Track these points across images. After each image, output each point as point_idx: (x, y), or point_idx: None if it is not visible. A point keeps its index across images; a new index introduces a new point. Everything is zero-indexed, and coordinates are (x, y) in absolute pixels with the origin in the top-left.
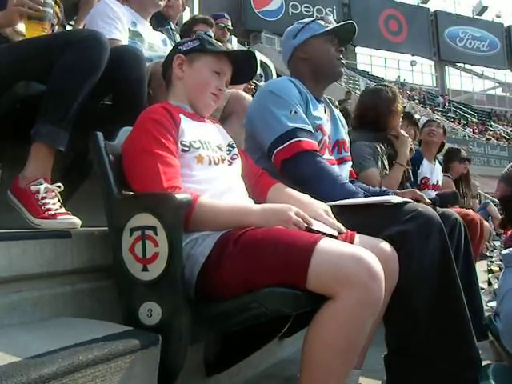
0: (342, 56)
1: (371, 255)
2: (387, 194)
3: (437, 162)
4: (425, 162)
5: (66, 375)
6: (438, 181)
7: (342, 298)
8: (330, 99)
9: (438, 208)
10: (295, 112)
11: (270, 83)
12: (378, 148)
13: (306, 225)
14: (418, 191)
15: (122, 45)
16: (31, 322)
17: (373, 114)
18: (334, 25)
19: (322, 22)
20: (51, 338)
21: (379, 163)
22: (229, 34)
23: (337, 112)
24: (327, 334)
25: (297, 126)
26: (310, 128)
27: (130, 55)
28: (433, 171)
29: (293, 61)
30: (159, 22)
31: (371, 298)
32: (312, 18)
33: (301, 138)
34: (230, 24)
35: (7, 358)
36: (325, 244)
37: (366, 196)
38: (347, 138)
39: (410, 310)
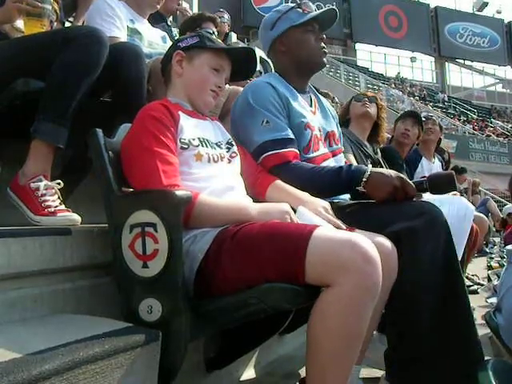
0: (323, 44)
1: (366, 240)
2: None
3: (436, 160)
4: (424, 161)
5: (67, 371)
6: None
7: (339, 284)
8: (327, 93)
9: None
10: (267, 122)
11: (249, 87)
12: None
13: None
14: None
15: (121, 42)
16: (31, 318)
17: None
18: (313, 12)
19: (300, 10)
20: (52, 334)
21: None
22: (228, 30)
23: (325, 102)
24: (329, 321)
25: (266, 139)
26: (283, 135)
27: (130, 52)
28: (432, 170)
29: (272, 53)
30: (155, 19)
31: (368, 282)
32: (290, 6)
33: (269, 153)
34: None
35: (8, 355)
36: (319, 233)
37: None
38: (337, 130)
39: (413, 308)
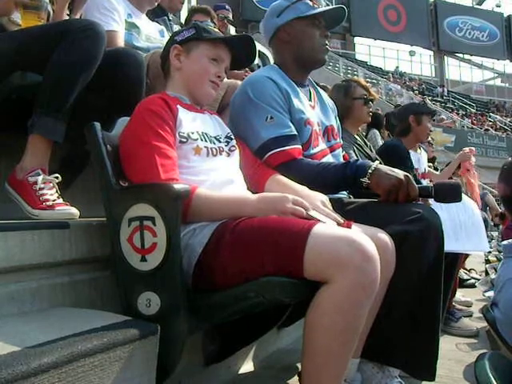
0: (327, 42)
1: (364, 237)
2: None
3: (422, 150)
4: (410, 152)
5: (66, 364)
6: (425, 169)
7: (337, 281)
8: (325, 87)
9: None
10: (271, 118)
11: (248, 82)
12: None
13: (304, 212)
14: None
15: (122, 48)
16: (30, 312)
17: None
18: (322, 7)
19: (310, 3)
20: (50, 327)
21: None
22: (229, 25)
23: (324, 95)
24: (325, 318)
25: (272, 136)
26: (287, 131)
27: (131, 61)
28: (420, 160)
29: (275, 41)
30: (156, 13)
31: (366, 279)
32: None
33: (275, 150)
34: (230, 15)
35: (7, 348)
36: (319, 229)
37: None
38: (336, 123)
39: (387, 304)
